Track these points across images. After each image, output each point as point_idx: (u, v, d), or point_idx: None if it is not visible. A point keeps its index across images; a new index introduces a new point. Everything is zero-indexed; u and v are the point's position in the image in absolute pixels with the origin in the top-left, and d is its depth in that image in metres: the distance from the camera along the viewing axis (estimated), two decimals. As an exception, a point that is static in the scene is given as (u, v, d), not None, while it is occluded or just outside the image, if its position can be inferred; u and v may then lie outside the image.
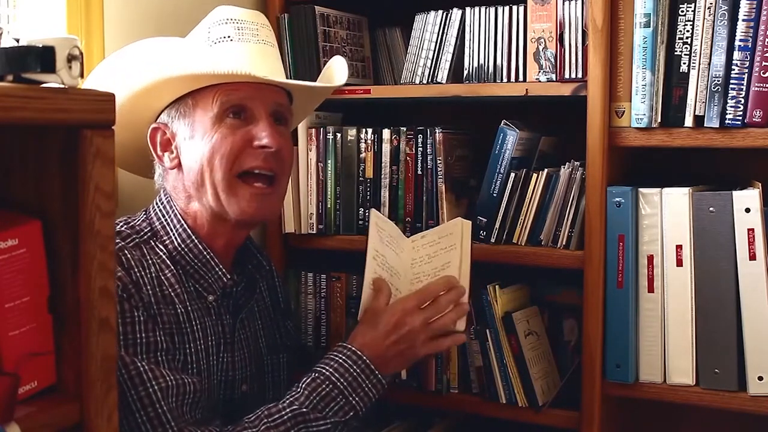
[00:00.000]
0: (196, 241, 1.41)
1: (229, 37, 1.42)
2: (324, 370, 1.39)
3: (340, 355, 1.40)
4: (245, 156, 1.39)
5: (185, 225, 1.42)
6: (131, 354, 1.28)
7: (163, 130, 1.43)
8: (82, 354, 0.96)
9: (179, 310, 1.37)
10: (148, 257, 1.38)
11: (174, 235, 1.41)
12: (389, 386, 1.44)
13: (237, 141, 1.38)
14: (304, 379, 1.39)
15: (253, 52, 1.42)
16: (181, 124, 1.41)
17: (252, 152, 1.39)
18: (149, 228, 1.43)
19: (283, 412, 1.35)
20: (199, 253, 1.41)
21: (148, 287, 1.34)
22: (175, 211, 1.43)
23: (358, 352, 1.40)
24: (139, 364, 1.27)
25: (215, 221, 1.42)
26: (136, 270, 1.34)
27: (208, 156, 1.38)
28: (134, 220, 1.44)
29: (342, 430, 1.38)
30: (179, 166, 1.42)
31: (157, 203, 1.45)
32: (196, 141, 1.39)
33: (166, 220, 1.43)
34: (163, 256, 1.40)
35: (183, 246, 1.41)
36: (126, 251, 1.35)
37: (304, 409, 1.35)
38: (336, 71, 1.57)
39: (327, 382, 1.37)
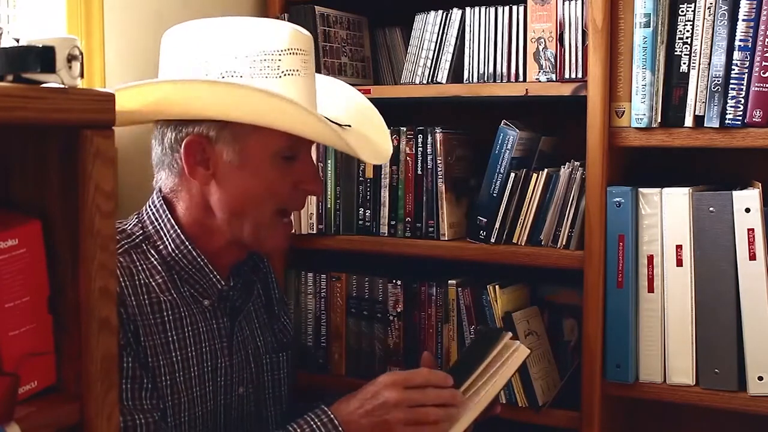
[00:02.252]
0: (189, 247, 1.39)
1: (297, 71, 1.33)
2: None
3: (317, 421, 1.35)
4: (290, 198, 1.39)
5: (179, 230, 1.39)
6: None
7: (202, 143, 1.34)
8: (82, 354, 0.95)
9: (167, 318, 1.36)
10: (138, 263, 1.36)
11: (168, 240, 1.39)
12: None
13: (287, 185, 1.37)
14: None
15: (312, 89, 1.38)
16: (230, 147, 1.34)
17: (296, 195, 1.39)
18: (141, 232, 1.40)
19: None
20: (192, 260, 1.39)
21: (132, 298, 1.32)
22: (169, 216, 1.39)
23: (335, 421, 1.34)
24: None
25: (235, 244, 1.41)
26: (121, 280, 1.32)
27: (257, 192, 1.35)
28: (126, 224, 1.42)
29: None
30: (210, 183, 1.36)
31: (150, 206, 1.42)
32: (247, 172, 1.35)
33: (159, 224, 1.40)
34: (155, 261, 1.38)
35: (176, 252, 1.39)
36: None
37: None
38: (384, 149, 1.53)
39: None
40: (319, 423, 1.35)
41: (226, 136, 1.34)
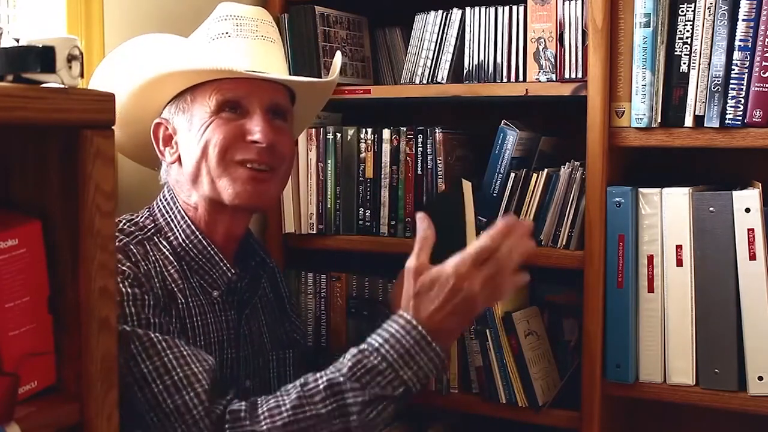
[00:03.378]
0: (200, 236, 1.42)
1: (227, 33, 1.43)
2: (374, 342, 1.27)
3: (394, 325, 1.27)
4: (238, 148, 1.40)
5: (188, 221, 1.43)
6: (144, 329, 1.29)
7: (164, 126, 1.45)
8: (82, 354, 0.96)
9: (181, 306, 1.38)
10: (152, 254, 1.39)
11: (178, 230, 1.43)
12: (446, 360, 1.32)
13: (229, 132, 1.40)
14: (352, 350, 1.28)
15: (251, 48, 1.43)
16: (181, 119, 1.43)
17: (245, 146, 1.40)
18: (153, 224, 1.44)
19: (320, 381, 1.25)
20: (203, 249, 1.42)
21: (155, 280, 1.36)
22: (179, 207, 1.44)
23: (413, 321, 1.26)
24: (152, 335, 1.27)
25: (213, 209, 1.43)
26: (143, 264, 1.35)
27: (202, 146, 1.40)
28: (137, 217, 1.46)
29: (392, 407, 1.26)
30: (179, 160, 1.44)
31: (160, 199, 1.47)
32: (192, 134, 1.41)
33: (169, 216, 1.44)
34: (167, 252, 1.41)
35: (187, 242, 1.42)
36: (131, 247, 1.36)
37: (341, 379, 1.24)
38: (332, 66, 1.58)
39: (375, 354, 1.25)
40: (402, 332, 1.26)
41: (174, 111, 1.44)
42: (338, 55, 1.60)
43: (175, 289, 1.38)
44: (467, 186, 1.57)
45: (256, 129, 1.40)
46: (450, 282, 1.28)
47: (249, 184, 1.40)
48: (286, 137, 1.47)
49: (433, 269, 1.30)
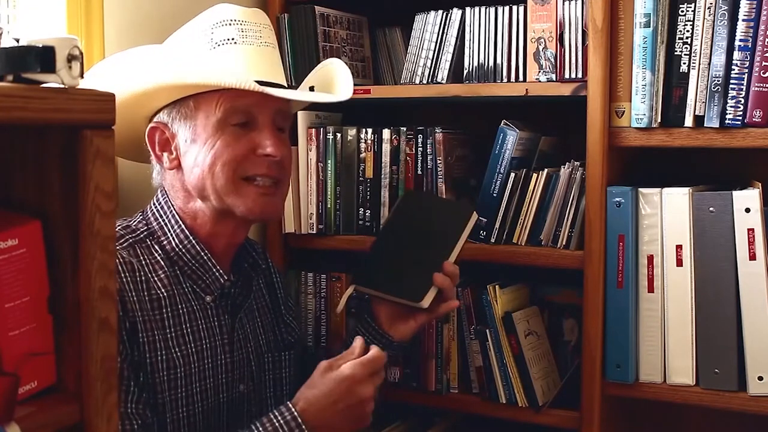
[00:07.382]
0: (194, 241, 1.41)
1: (232, 39, 1.39)
2: None
3: (280, 419, 1.35)
4: (249, 163, 1.39)
5: (183, 225, 1.41)
6: None
7: (162, 130, 1.42)
8: (82, 354, 0.96)
9: (166, 314, 1.37)
10: (141, 258, 1.38)
11: (171, 235, 1.41)
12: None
13: (240, 149, 1.38)
14: None
15: (256, 56, 1.41)
16: (182, 126, 1.40)
17: (255, 160, 1.39)
18: (146, 227, 1.42)
19: None
20: (196, 254, 1.41)
21: (132, 293, 1.33)
22: (173, 210, 1.42)
23: (299, 418, 1.35)
24: None
25: (218, 219, 1.42)
26: (122, 275, 1.33)
27: (210, 162, 1.37)
28: (131, 220, 1.44)
29: None
30: (178, 166, 1.42)
31: (154, 203, 1.45)
32: (198, 145, 1.39)
33: (163, 220, 1.42)
34: (158, 257, 1.39)
35: (180, 246, 1.41)
36: (117, 254, 1.34)
37: None
38: (341, 84, 1.52)
39: None
40: (286, 429, 1.34)
41: (174, 116, 1.41)
42: (347, 73, 1.52)
43: (164, 296, 1.37)
44: (473, 218, 1.58)
45: (267, 143, 1.39)
46: (345, 383, 1.37)
47: (260, 199, 1.40)
48: (289, 150, 1.47)
49: (336, 371, 1.39)
